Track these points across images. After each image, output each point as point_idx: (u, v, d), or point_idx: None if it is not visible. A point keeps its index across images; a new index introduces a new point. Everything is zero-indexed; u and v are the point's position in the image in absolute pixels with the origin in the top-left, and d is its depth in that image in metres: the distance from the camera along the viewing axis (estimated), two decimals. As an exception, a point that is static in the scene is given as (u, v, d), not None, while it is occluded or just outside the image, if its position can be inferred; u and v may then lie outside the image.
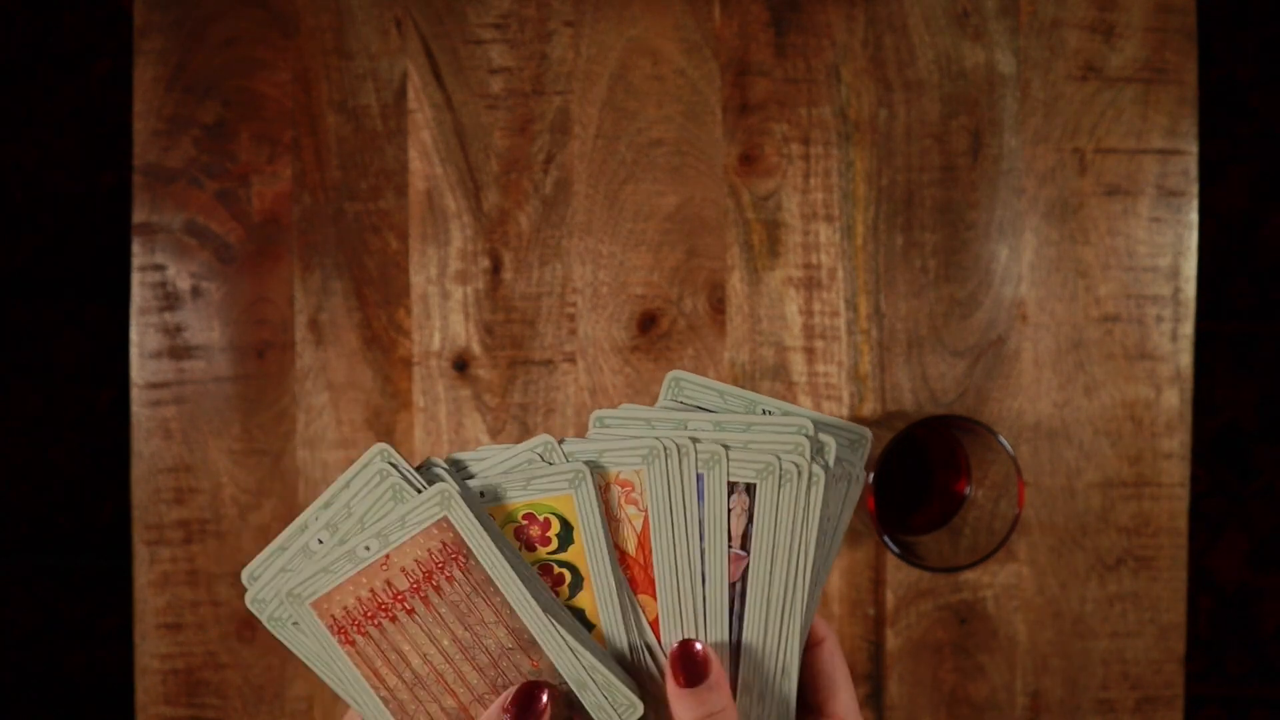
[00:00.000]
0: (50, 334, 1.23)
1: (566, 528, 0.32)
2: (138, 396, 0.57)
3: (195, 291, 0.58)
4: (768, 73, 0.58)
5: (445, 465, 0.33)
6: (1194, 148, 0.58)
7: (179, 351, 0.58)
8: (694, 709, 0.31)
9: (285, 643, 0.33)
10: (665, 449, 0.32)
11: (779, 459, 0.31)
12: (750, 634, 0.32)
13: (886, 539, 0.48)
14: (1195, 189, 0.58)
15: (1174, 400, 0.58)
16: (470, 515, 0.31)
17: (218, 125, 0.58)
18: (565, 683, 0.32)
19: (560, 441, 0.33)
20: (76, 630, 1.24)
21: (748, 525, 0.32)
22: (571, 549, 0.33)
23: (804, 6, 0.58)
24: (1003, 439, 0.48)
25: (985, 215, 0.58)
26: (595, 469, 0.32)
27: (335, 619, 0.32)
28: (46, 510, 1.24)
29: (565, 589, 0.33)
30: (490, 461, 0.33)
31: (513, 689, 0.32)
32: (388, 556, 0.32)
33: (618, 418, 0.33)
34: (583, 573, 0.33)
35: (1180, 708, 0.57)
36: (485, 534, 0.31)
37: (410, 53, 0.58)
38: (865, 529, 0.57)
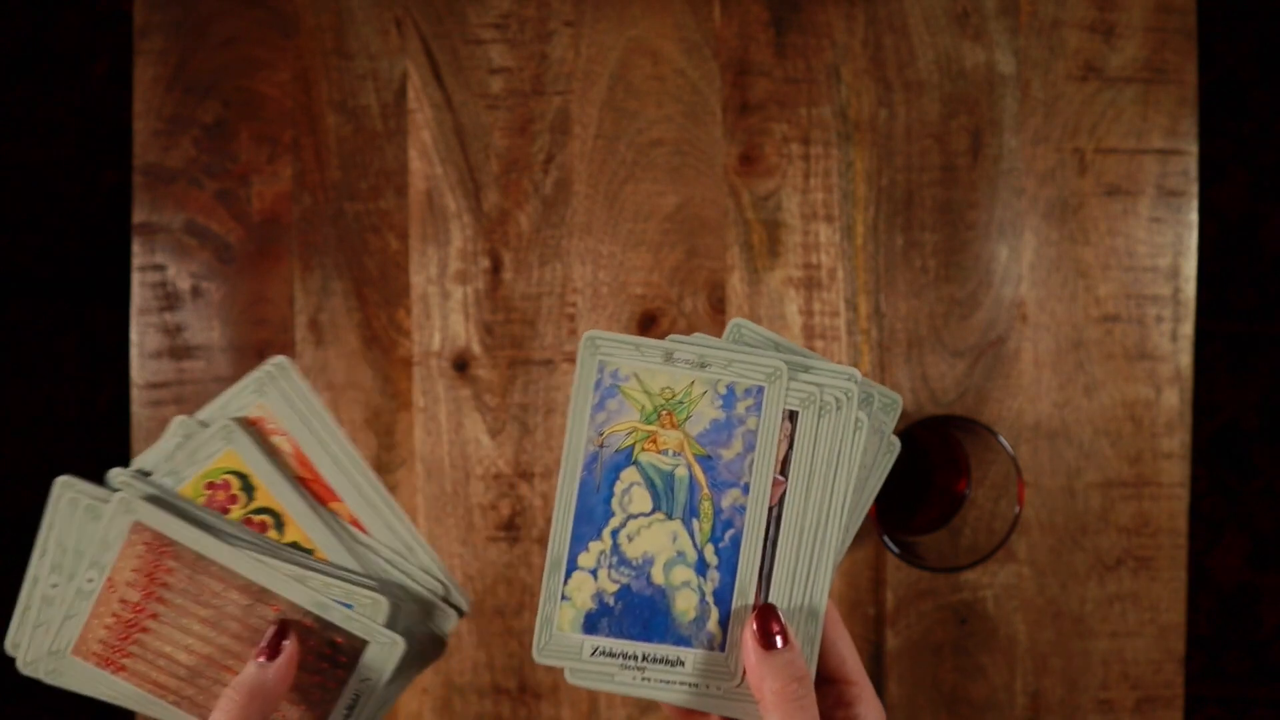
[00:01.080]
0: (50, 334, 1.23)
1: (245, 480, 0.34)
2: (138, 396, 0.57)
3: (195, 291, 0.58)
4: (768, 73, 0.58)
5: (125, 473, 0.35)
6: (1194, 148, 0.58)
7: (179, 351, 0.58)
8: (779, 672, 0.31)
9: (77, 691, 0.34)
10: (270, 374, 0.35)
11: (820, 389, 0.34)
12: (781, 565, 0.34)
13: (886, 539, 0.48)
14: (1195, 189, 0.58)
15: (1174, 400, 0.58)
16: (153, 508, 0.33)
17: (218, 125, 0.58)
18: (309, 612, 0.33)
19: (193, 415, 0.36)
20: (76, 630, 1.23)
21: (788, 451, 0.34)
22: (259, 495, 0.34)
23: (804, 6, 0.58)
24: (1003, 439, 0.48)
25: (985, 215, 0.58)
26: (239, 420, 0.35)
27: (98, 655, 0.34)
28: (46, 510, 1.24)
29: (273, 532, 0.34)
30: (155, 456, 0.35)
31: (261, 641, 0.33)
32: (110, 579, 0.33)
33: (687, 343, 0.35)
34: (278, 511, 0.34)
35: (1180, 708, 0.57)
36: (174, 518, 0.33)
37: (410, 53, 0.58)
38: (865, 529, 0.57)
